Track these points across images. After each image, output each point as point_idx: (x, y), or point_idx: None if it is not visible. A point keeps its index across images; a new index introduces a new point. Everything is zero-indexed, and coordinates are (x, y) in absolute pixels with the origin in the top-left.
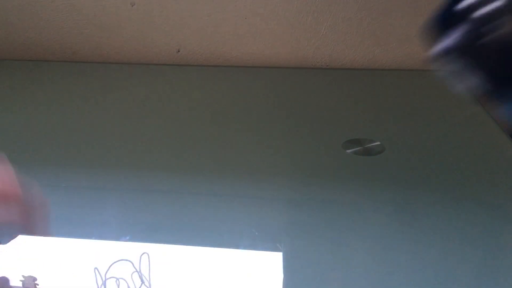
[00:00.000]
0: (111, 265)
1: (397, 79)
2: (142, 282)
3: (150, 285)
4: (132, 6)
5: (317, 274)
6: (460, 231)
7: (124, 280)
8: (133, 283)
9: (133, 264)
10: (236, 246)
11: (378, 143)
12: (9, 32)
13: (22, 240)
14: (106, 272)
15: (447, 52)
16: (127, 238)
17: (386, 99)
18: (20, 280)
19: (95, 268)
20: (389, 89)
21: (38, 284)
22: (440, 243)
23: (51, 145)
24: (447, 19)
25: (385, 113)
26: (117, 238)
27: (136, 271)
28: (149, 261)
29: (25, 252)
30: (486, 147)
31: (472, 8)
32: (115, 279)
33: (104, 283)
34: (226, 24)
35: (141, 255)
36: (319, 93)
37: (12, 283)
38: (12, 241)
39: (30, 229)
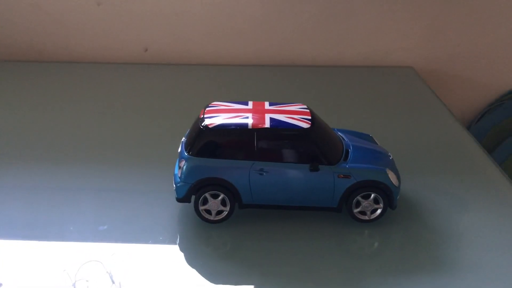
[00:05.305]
0: (80, 266)
1: (360, 75)
2: (113, 282)
3: (120, 285)
4: (99, 5)
5: None
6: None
7: (94, 281)
8: (104, 283)
9: (103, 264)
10: None
11: None
12: None
13: None
14: (76, 274)
15: None
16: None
17: (350, 94)
18: None
19: (64, 270)
20: (354, 85)
21: None
22: None
23: (18, 144)
24: None
25: (349, 107)
26: (87, 239)
27: (107, 271)
28: (119, 261)
29: None
30: (444, 138)
31: None
32: (84, 281)
33: (73, 285)
34: (194, 23)
35: (111, 255)
36: (286, 89)
37: None
38: None
39: None
